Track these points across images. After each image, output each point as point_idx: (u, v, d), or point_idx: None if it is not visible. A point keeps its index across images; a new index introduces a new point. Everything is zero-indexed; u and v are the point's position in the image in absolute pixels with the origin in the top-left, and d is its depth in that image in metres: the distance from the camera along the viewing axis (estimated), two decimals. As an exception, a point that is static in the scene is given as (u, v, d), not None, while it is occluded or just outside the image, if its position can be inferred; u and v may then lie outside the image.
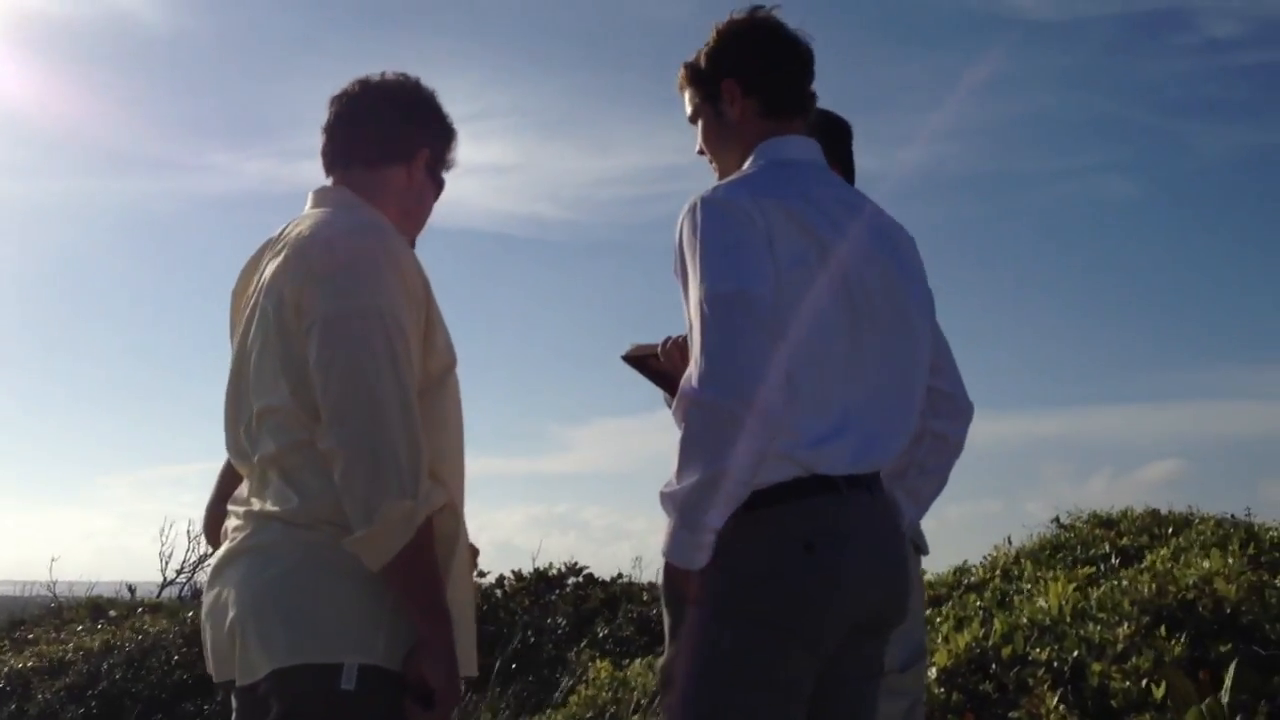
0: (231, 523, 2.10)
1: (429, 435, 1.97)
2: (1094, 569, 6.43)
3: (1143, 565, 6.04)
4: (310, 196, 2.18)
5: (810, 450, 2.05)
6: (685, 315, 2.11)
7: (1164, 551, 6.35)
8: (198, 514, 2.40)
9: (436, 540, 1.97)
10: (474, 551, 2.33)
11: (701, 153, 2.39)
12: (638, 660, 6.54)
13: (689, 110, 2.38)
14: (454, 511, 2.04)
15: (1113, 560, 6.88)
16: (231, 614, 1.96)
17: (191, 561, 15.66)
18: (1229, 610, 4.80)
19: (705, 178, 2.34)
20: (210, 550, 2.28)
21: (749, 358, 1.96)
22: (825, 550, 2.03)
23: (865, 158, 2.88)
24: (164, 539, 17.87)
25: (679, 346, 2.32)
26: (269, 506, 1.99)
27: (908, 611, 2.24)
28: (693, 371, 1.98)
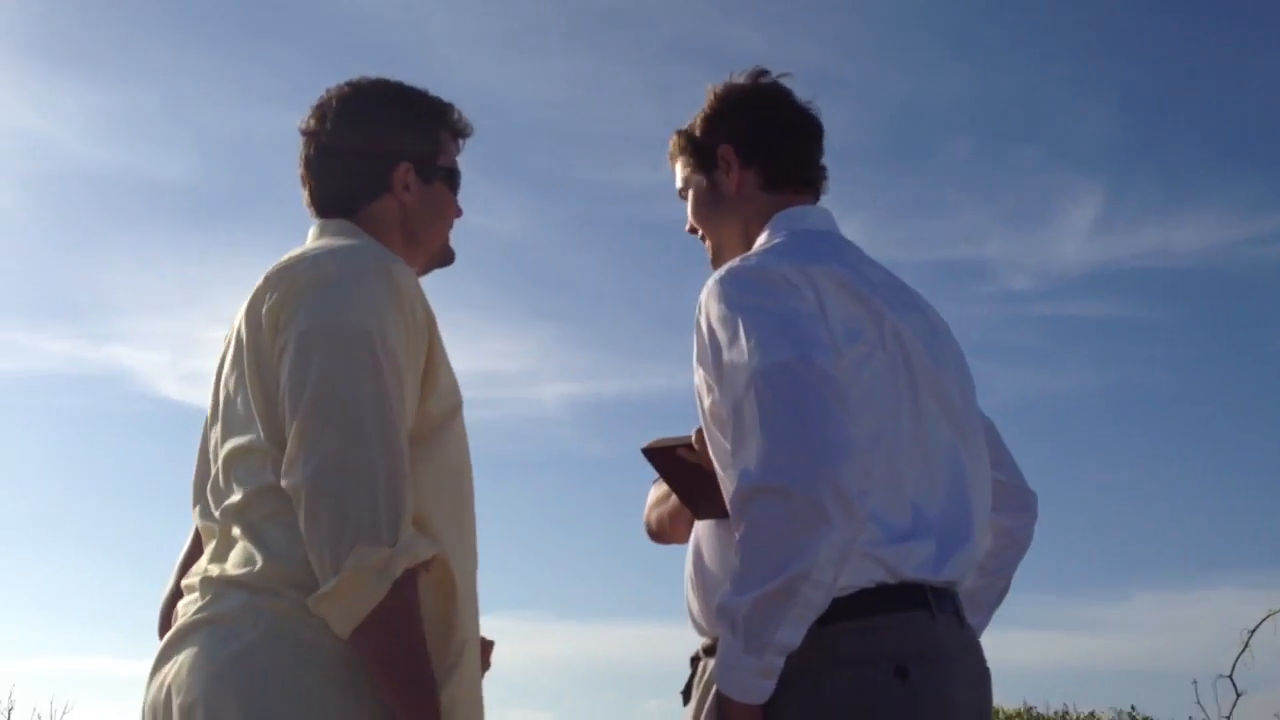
0: (185, 598, 1.71)
1: (430, 487, 1.67)
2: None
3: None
4: (310, 231, 1.91)
5: (893, 548, 1.71)
6: (706, 410, 1.83)
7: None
8: None
9: (427, 615, 1.61)
10: (487, 646, 1.94)
11: (692, 231, 2.12)
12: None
13: (679, 182, 2.12)
14: (447, 583, 1.68)
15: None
16: (180, 699, 1.58)
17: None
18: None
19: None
20: None
21: (825, 432, 1.63)
22: (922, 676, 1.68)
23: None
24: None
25: None
26: (229, 571, 1.64)
27: None
28: (751, 457, 1.64)
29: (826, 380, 1.68)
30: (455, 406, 1.78)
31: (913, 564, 1.72)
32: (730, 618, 1.64)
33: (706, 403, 1.83)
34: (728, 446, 1.75)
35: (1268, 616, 6.49)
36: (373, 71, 1.97)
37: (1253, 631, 6.58)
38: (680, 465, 2.09)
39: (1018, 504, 2.11)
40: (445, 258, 2.01)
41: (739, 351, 1.72)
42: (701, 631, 2.25)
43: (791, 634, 1.62)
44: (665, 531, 2.39)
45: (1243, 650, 6.52)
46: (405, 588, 1.56)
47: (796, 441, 1.62)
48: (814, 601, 1.61)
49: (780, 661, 1.63)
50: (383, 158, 1.90)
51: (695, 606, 2.07)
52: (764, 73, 2.08)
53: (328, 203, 1.91)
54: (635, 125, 8.26)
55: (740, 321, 1.73)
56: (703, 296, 1.83)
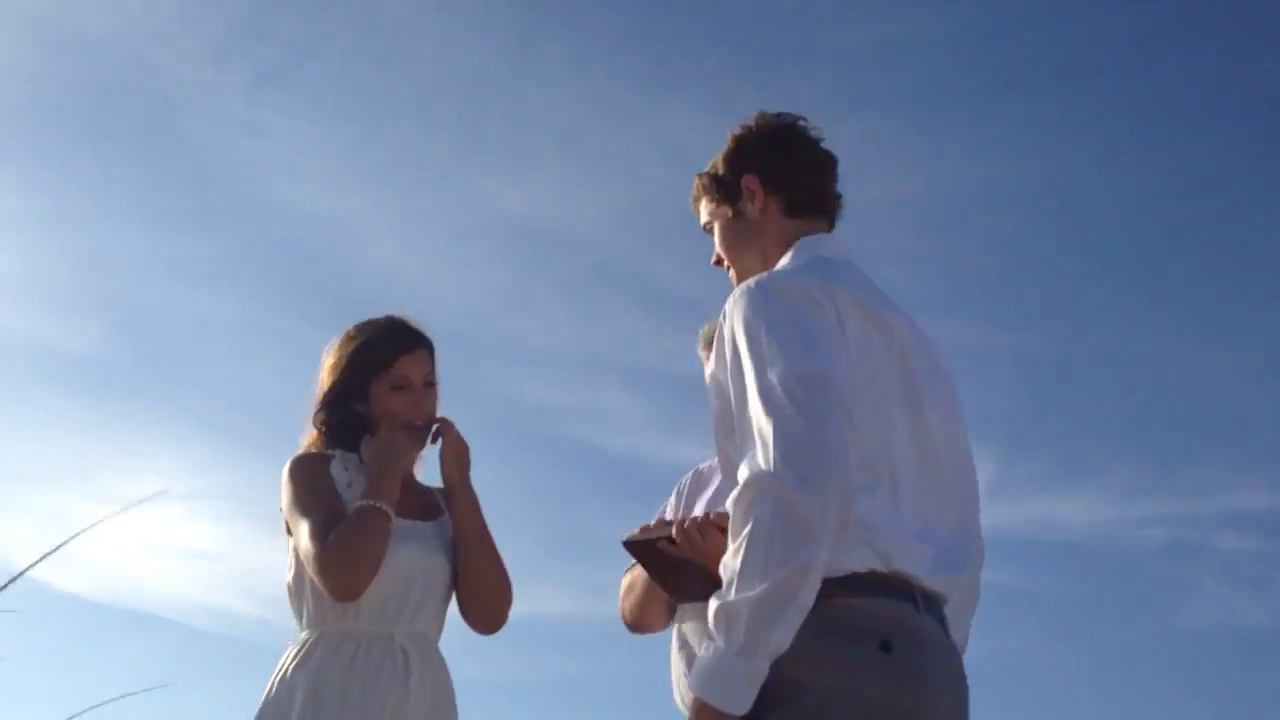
0: None
1: None
2: None
3: None
4: None
5: (890, 538, 1.75)
6: (715, 414, 1.91)
7: None
8: None
9: None
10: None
11: (719, 263, 2.23)
12: None
13: (704, 218, 2.24)
14: None
15: None
16: None
17: None
18: None
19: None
20: None
21: (836, 442, 1.68)
22: (905, 652, 1.70)
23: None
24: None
25: (700, 526, 2.04)
26: None
27: None
28: (762, 456, 1.68)
29: (840, 393, 1.74)
30: None
31: (907, 559, 1.77)
32: (731, 616, 1.63)
33: (716, 405, 1.92)
34: (731, 450, 1.82)
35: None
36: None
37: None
38: (659, 557, 2.17)
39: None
40: None
41: (760, 358, 1.78)
42: None
43: (785, 635, 1.62)
44: (639, 621, 2.49)
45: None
46: None
47: (808, 447, 1.67)
48: (806, 604, 1.63)
49: (766, 669, 1.63)
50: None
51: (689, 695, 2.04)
52: (775, 114, 2.19)
53: None
54: (550, 343, 8.44)
55: (764, 330, 1.81)
56: (729, 305, 1.90)
